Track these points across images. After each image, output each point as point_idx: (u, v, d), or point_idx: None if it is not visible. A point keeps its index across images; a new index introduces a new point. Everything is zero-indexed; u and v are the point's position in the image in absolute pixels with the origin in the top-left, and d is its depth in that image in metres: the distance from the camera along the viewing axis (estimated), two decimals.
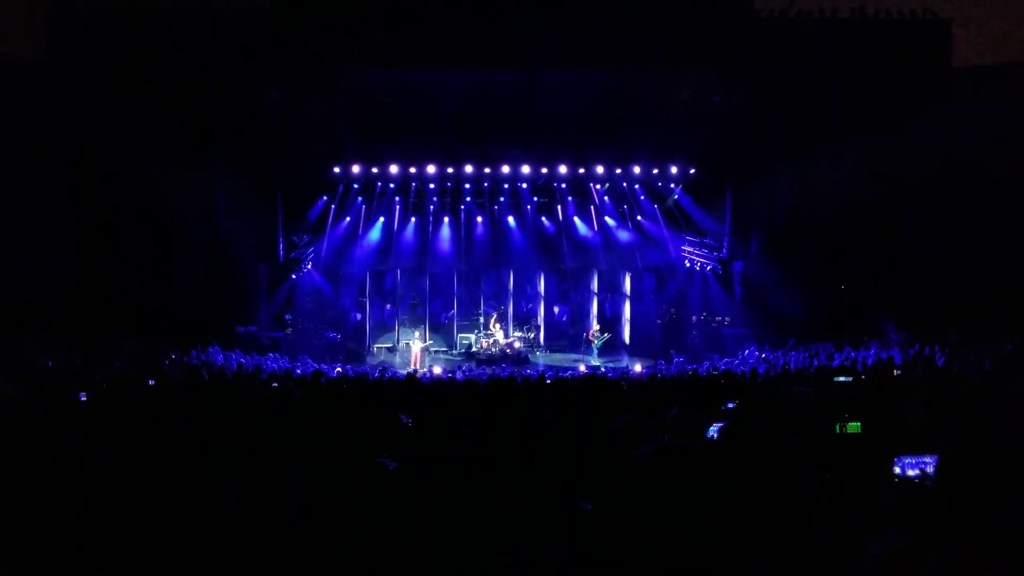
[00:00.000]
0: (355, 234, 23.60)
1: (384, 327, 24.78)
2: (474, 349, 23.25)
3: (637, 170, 22.64)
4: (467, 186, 23.56)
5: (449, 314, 24.82)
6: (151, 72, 20.56)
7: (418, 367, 20.74)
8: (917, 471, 5.44)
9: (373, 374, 16.66)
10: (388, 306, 25.01)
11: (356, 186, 22.93)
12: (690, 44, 20.89)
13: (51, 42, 21.39)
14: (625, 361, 22.44)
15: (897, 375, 14.80)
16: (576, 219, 24.32)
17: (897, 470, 5.70)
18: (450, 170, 22.17)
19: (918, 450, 5.61)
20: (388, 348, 23.68)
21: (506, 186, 23.53)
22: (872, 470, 7.22)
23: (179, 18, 21.03)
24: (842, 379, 13.22)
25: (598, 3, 20.56)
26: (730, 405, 11.26)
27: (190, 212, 21.07)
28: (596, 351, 22.90)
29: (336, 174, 22.09)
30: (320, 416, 13.11)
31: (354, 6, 20.31)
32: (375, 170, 22.13)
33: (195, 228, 21.27)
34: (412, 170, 22.16)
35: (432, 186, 23.25)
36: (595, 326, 23.66)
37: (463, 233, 24.16)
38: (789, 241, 22.12)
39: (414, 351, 21.81)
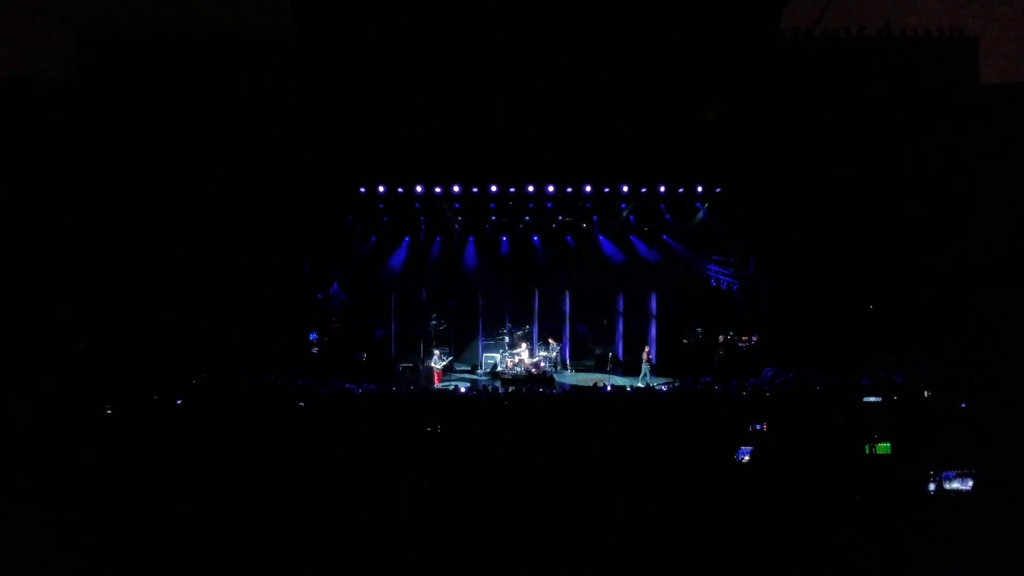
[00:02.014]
0: (381, 253, 23.65)
1: (409, 346, 24.71)
2: (499, 369, 23.18)
3: (662, 189, 22.63)
4: (492, 205, 23.57)
5: (474, 333, 24.75)
6: (179, 93, 20.84)
7: (440, 385, 20.77)
8: (957, 484, 5.41)
9: (400, 392, 16.66)
10: (413, 324, 24.93)
11: (381, 205, 23.02)
12: (715, 64, 20.94)
13: (81, 64, 21.71)
14: (651, 381, 22.23)
15: (928, 396, 14.62)
16: (601, 238, 24.23)
17: (932, 486, 5.67)
18: (475, 189, 22.27)
19: (955, 466, 5.58)
20: (411, 367, 23.60)
21: (531, 205, 23.52)
22: (904, 490, 7.14)
23: (207, 40, 21.32)
24: (872, 399, 13.08)
25: (623, 26, 20.66)
26: (757, 427, 11.19)
27: (218, 231, 21.26)
28: (646, 372, 22.45)
29: (362, 193, 22.22)
30: (348, 432, 13.20)
31: (378, 28, 20.54)
32: (400, 190, 22.26)
33: (223, 247, 21.43)
34: (437, 189, 22.27)
35: (457, 205, 23.33)
36: (647, 347, 23.25)
37: (488, 252, 24.13)
38: (816, 260, 21.95)
39: (436, 370, 21.78)
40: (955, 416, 11.43)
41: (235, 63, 21.09)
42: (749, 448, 7.16)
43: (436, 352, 22.18)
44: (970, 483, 5.17)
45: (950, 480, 5.55)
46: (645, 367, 22.30)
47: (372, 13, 20.92)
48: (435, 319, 22.88)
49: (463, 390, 19.15)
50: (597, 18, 20.66)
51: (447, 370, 22.55)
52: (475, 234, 24.15)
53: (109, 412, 13.88)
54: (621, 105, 21.36)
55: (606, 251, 24.18)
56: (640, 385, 20.98)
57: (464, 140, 21.42)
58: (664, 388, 19.52)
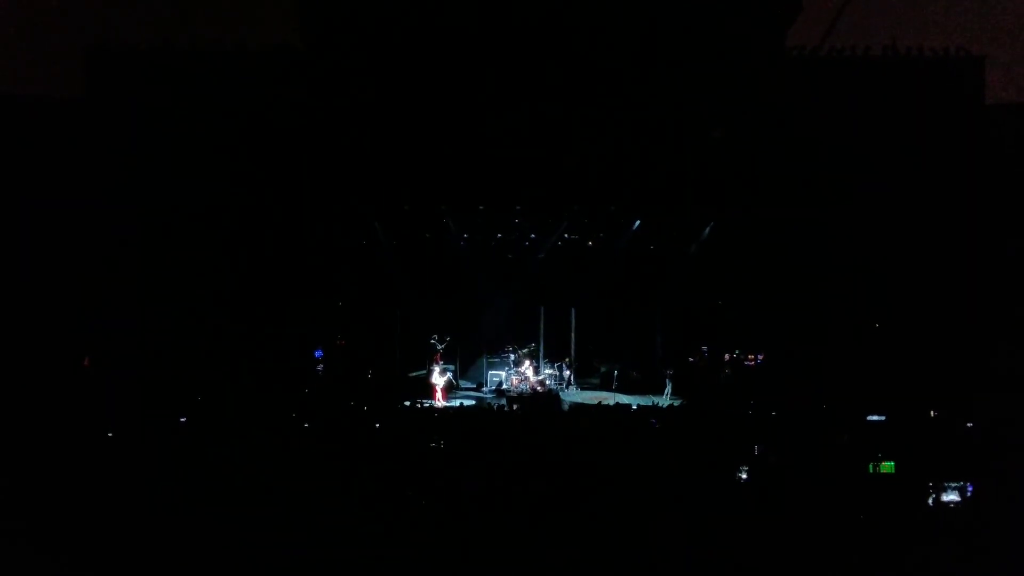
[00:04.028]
0: (385, 269, 23.71)
1: (413, 362, 24.57)
2: (504, 387, 23.11)
3: (667, 209, 22.63)
4: (497, 222, 23.62)
5: (479, 351, 24.68)
6: (187, 110, 20.99)
7: (441, 402, 20.70)
8: (954, 496, 5.44)
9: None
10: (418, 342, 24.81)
11: (385, 221, 23.11)
12: (721, 83, 21.01)
13: (89, 81, 21.85)
14: (657, 400, 22.12)
15: (934, 415, 14.52)
16: (607, 256, 24.22)
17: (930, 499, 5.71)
18: (481, 207, 22.37)
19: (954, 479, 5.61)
20: (424, 373, 23.35)
21: (535, 223, 23.57)
22: (907, 508, 7.10)
23: (215, 57, 21.49)
24: (875, 418, 13.03)
25: (630, 43, 20.77)
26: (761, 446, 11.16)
27: (223, 246, 21.38)
28: (669, 390, 22.32)
29: (368, 207, 22.33)
30: (356, 443, 13.24)
31: (385, 46, 20.69)
32: (405, 206, 22.39)
33: (228, 262, 21.52)
34: (443, 207, 22.41)
35: (462, 222, 23.41)
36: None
37: (493, 269, 24.16)
38: (820, 279, 21.91)
39: (438, 386, 21.48)
40: (959, 434, 11.37)
41: (243, 80, 21.26)
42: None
43: (436, 367, 21.91)
44: (969, 492, 5.19)
45: (947, 492, 5.58)
46: (669, 385, 22.16)
47: (379, 31, 21.08)
48: (435, 338, 22.69)
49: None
50: (603, 38, 20.80)
51: (450, 388, 22.34)
52: (480, 251, 24.18)
53: (111, 433, 13.91)
54: (625, 125, 21.43)
55: (612, 269, 24.17)
56: (663, 403, 20.80)
57: (471, 158, 21.51)
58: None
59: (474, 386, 24.06)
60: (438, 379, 21.50)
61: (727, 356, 24.01)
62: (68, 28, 21.93)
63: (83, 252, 21.16)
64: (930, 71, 22.27)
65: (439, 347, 22.20)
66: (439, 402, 20.89)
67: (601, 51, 21.01)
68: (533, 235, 24.01)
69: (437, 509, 10.46)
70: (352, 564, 9.61)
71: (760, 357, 23.39)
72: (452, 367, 23.41)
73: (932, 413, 14.62)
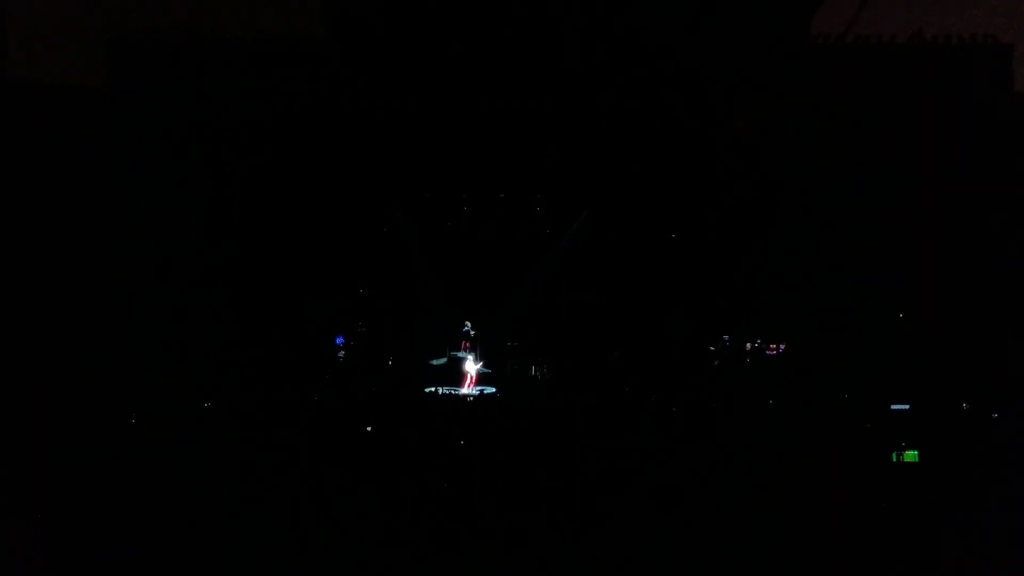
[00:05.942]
0: (406, 257, 23.74)
1: (433, 350, 24.54)
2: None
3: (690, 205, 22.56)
4: (517, 214, 23.64)
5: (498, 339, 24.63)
6: (208, 100, 21.07)
7: (467, 389, 20.77)
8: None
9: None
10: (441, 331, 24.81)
11: (405, 211, 23.17)
12: (745, 71, 20.88)
13: (112, 69, 21.92)
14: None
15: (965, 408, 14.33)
16: (628, 245, 24.07)
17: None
18: (502, 195, 22.42)
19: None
20: (446, 360, 23.38)
21: (556, 214, 23.56)
22: (930, 498, 7.06)
23: (237, 47, 21.55)
24: (899, 407, 12.96)
25: (652, 32, 20.68)
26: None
27: (245, 234, 21.48)
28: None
29: (392, 199, 22.41)
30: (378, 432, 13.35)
31: (408, 37, 20.72)
32: (427, 195, 22.46)
33: (249, 250, 21.61)
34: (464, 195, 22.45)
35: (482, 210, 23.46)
36: None
37: (515, 256, 24.14)
38: (844, 268, 21.73)
39: (469, 373, 21.56)
40: (985, 425, 11.28)
41: (264, 70, 21.32)
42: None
43: (469, 355, 21.96)
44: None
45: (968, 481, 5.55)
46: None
47: (402, 22, 21.09)
48: (468, 324, 22.70)
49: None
50: (624, 29, 20.74)
51: (480, 376, 22.37)
52: (501, 239, 24.13)
53: (133, 420, 14.06)
54: (646, 114, 21.35)
55: (633, 258, 24.02)
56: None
57: (492, 147, 21.52)
58: None
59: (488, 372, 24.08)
60: (471, 366, 21.63)
61: (748, 345, 23.86)
62: (92, 16, 21.94)
63: (104, 240, 21.26)
64: (957, 59, 22.02)
65: (472, 333, 22.21)
66: (465, 389, 21.02)
67: (622, 41, 20.90)
68: (554, 223, 23.95)
69: (452, 501, 10.52)
70: (364, 558, 9.66)
71: (782, 347, 23.23)
72: (474, 355, 23.43)
73: (964, 405, 14.44)
